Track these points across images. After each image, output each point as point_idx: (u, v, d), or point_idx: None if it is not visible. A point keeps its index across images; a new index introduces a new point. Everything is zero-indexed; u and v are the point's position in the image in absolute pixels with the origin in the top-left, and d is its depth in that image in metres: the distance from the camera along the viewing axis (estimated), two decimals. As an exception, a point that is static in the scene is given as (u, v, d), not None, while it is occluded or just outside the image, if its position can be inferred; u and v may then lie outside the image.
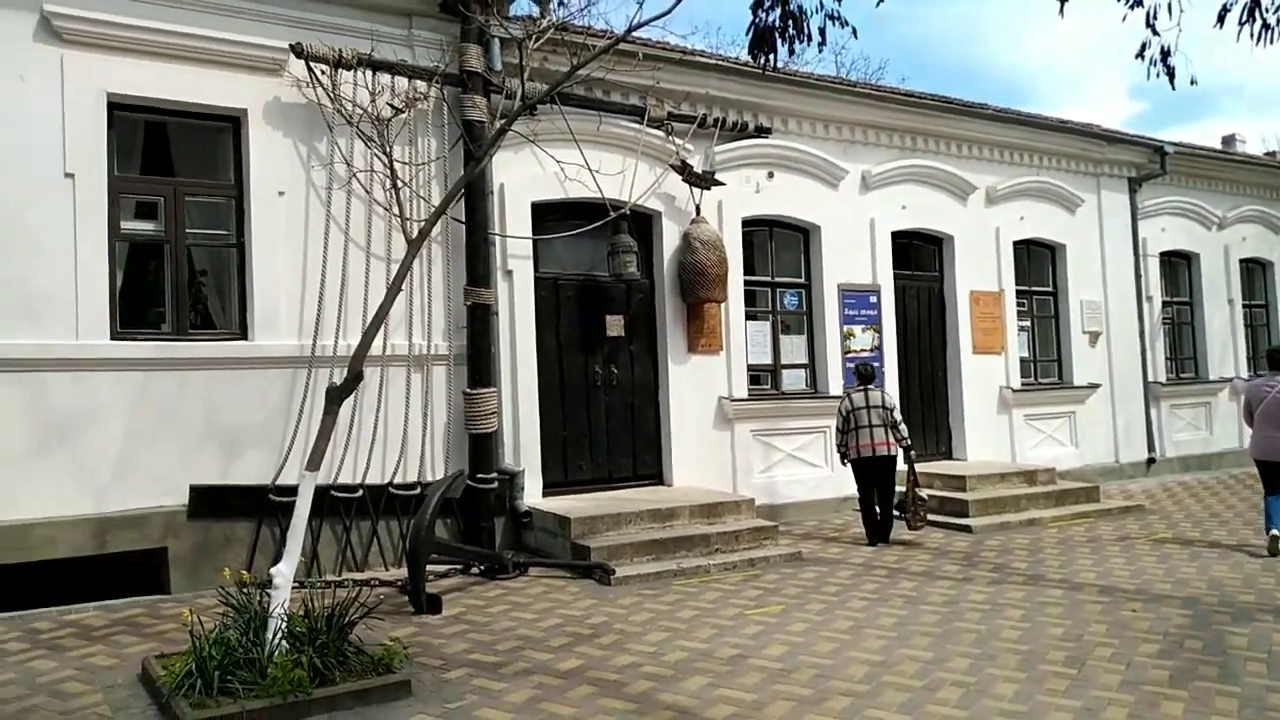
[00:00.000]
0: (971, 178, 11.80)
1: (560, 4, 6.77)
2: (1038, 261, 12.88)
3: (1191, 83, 5.22)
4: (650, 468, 9.59)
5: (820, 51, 5.75)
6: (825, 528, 9.78)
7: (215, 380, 7.26)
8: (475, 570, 7.66)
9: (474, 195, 8.05)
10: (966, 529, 9.48)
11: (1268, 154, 18.72)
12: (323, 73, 7.58)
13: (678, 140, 9.41)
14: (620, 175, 8.92)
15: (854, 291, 10.86)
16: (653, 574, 7.50)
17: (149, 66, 7.11)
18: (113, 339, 6.95)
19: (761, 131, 10.17)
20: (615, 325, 9.44)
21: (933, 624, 6.19)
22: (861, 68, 28.55)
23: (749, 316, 10.23)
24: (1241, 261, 15.00)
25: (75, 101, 6.83)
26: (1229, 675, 5.10)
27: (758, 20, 4.63)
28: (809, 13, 4.60)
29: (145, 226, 7.38)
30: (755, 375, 10.30)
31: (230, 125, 7.60)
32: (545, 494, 8.75)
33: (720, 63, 9.93)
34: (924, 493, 9.13)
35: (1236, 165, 15.41)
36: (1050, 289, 12.96)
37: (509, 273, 8.63)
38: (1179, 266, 14.53)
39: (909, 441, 8.98)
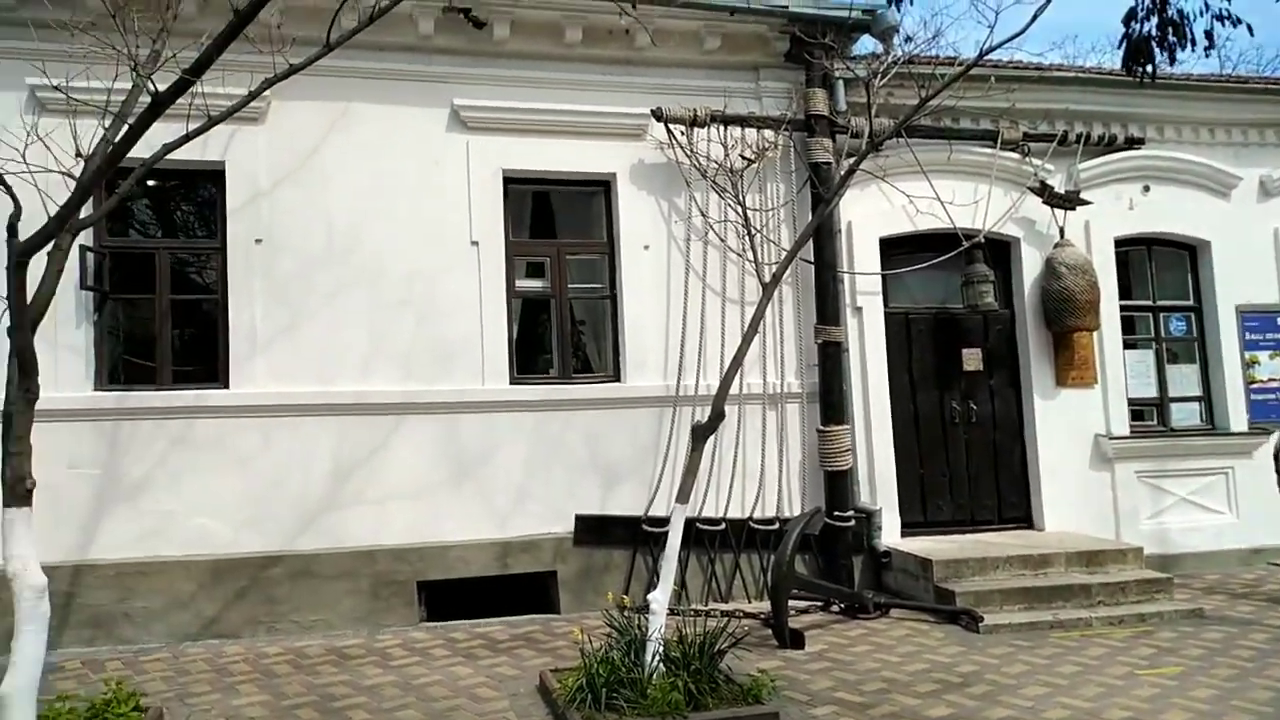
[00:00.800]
0: None
1: (908, 39, 6.72)
2: None
3: None
4: (1017, 510, 9.02)
5: (1207, 55, 5.20)
6: (1232, 582, 8.58)
7: (594, 419, 7.97)
8: (835, 608, 7.66)
9: (822, 235, 8.18)
10: None
11: None
12: (680, 132, 8.14)
13: (1035, 161, 8.90)
14: (972, 203, 8.62)
15: (1257, 313, 9.52)
16: (1025, 624, 7.06)
17: (536, 143, 8.07)
18: (511, 384, 7.90)
19: (1133, 143, 9.32)
20: (972, 359, 9.05)
21: (1389, 702, 5.23)
22: (1252, 59, 25.14)
23: (1127, 345, 9.33)
24: None
25: (478, 179, 7.93)
26: None
27: (1131, 31, 4.30)
28: (1191, 16, 4.20)
29: (534, 284, 8.34)
30: (1137, 410, 9.34)
31: (602, 189, 8.39)
32: (903, 534, 8.54)
33: (1080, 74, 9.28)
34: None
35: None
36: None
37: (858, 309, 8.63)
38: None
39: None
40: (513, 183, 8.15)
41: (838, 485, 8.22)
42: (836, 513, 8.12)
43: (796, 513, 8.09)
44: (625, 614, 5.74)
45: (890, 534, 8.44)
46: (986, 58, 5.80)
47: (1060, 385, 9.01)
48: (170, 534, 7.11)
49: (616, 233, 8.27)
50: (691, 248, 8.29)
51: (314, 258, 7.55)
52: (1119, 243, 9.35)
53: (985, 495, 8.99)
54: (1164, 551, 8.82)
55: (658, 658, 5.26)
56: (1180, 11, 4.19)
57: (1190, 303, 9.68)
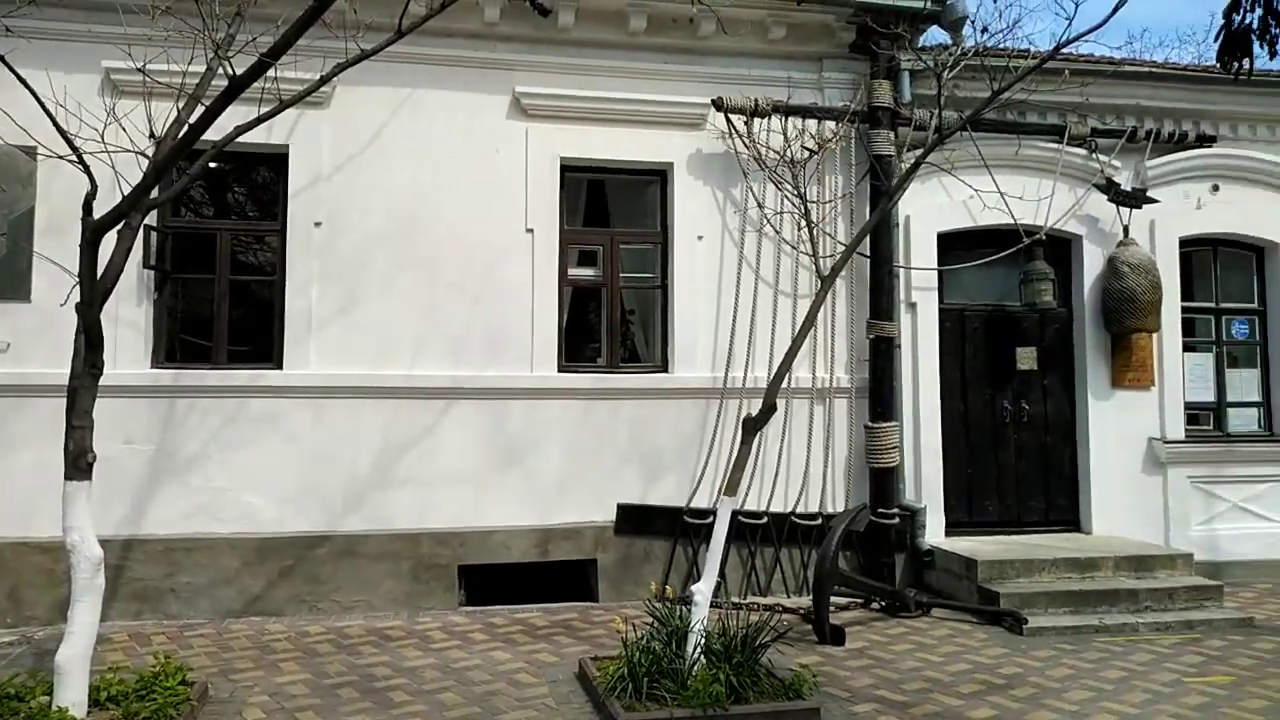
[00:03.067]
0: None
1: (984, 30, 6.57)
2: None
3: None
4: (1065, 513, 8.90)
5: None
6: (1289, 593, 8.42)
7: (640, 409, 8.00)
8: (876, 605, 7.65)
9: (878, 228, 8.08)
10: None
11: None
12: (742, 122, 8.09)
13: (1102, 158, 8.70)
14: (1035, 199, 8.46)
15: (1331, 317, 9.25)
16: (1070, 627, 7.00)
17: (594, 131, 8.07)
18: (559, 371, 7.96)
19: (1204, 141, 9.07)
20: (1027, 358, 8.92)
21: None
22: (1331, 50, 24.21)
23: (1187, 348, 9.13)
24: None
25: (536, 166, 7.96)
26: None
27: (1232, 23, 4.14)
28: None
29: (587, 272, 8.37)
30: (1193, 414, 9.15)
31: (658, 178, 8.38)
32: (948, 533, 8.48)
33: (1154, 69, 9.03)
34: None
35: None
36: None
37: (912, 305, 8.54)
38: None
39: None
40: (570, 170, 8.18)
41: (884, 482, 8.18)
42: (881, 510, 8.07)
43: (840, 509, 8.07)
44: (666, 604, 5.78)
45: (934, 533, 8.38)
46: (1060, 51, 5.67)
47: (1116, 387, 8.85)
48: (219, 511, 7.29)
49: (671, 222, 8.25)
50: (746, 239, 8.25)
51: (371, 241, 7.66)
52: (1184, 243, 9.12)
53: (1033, 496, 8.88)
54: (1213, 559, 8.66)
55: (699, 649, 5.30)
56: None
57: (1255, 305, 9.43)
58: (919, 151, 6.25)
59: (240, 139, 5.20)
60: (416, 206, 7.75)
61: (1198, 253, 9.36)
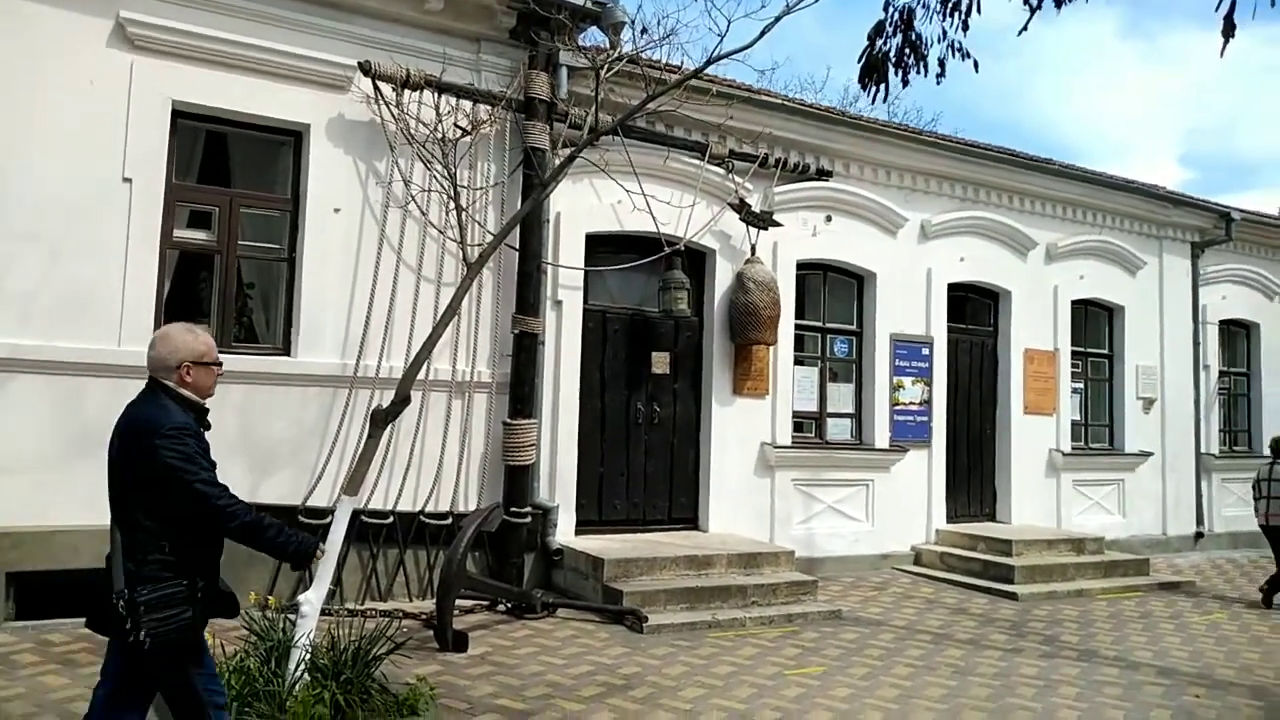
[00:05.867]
0: (1032, 233, 11.52)
1: (643, 32, 6.61)
2: (1095, 323, 12.53)
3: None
4: (686, 511, 9.33)
5: (938, 83, 5.57)
6: (864, 584, 9.44)
7: (254, 394, 7.10)
8: (502, 608, 7.43)
9: (529, 222, 7.90)
10: (1012, 596, 9.10)
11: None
12: (390, 91, 7.50)
13: (737, 178, 9.24)
14: (677, 211, 8.77)
15: (906, 342, 10.59)
16: (686, 624, 7.24)
17: (217, 77, 7.07)
18: (155, 347, 6.82)
19: (823, 174, 9.99)
20: (661, 362, 9.23)
21: (984, 698, 5.88)
22: (913, 119, 28.27)
23: (797, 361, 9.98)
24: (1304, 335, 14.51)
25: (141, 107, 6.79)
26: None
27: (875, 47, 4.39)
28: (929, 42, 4.36)
29: (199, 236, 7.31)
30: (799, 422, 10.02)
31: (292, 140, 7.54)
32: (578, 532, 8.51)
33: (786, 102, 9.77)
34: None
35: (1303, 235, 14.98)
36: (1106, 351, 12.60)
37: (558, 302, 8.47)
38: (1238, 336, 14.10)
39: None
40: (185, 118, 7.10)
41: (518, 480, 8.00)
42: (514, 509, 7.89)
43: (473, 507, 7.76)
44: (268, 615, 5.09)
45: (565, 532, 8.37)
46: (709, 70, 5.81)
47: (737, 394, 9.44)
48: None
49: (304, 190, 7.45)
50: (389, 217, 7.67)
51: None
52: (800, 265, 9.97)
53: (659, 496, 9.21)
54: (810, 555, 9.51)
55: (303, 666, 4.70)
56: (919, 35, 4.35)
57: (854, 327, 10.55)
58: (574, 149, 6.13)
59: None
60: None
61: (811, 275, 10.28)
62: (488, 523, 7.17)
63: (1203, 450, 13.14)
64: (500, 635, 6.83)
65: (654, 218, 8.30)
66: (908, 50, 4.31)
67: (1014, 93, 51.54)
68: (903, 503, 10.39)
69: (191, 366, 3.40)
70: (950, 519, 10.81)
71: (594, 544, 8.24)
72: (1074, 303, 12.02)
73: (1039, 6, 4.32)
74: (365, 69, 7.43)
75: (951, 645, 7.19)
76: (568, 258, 8.48)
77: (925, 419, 10.66)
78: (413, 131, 7.54)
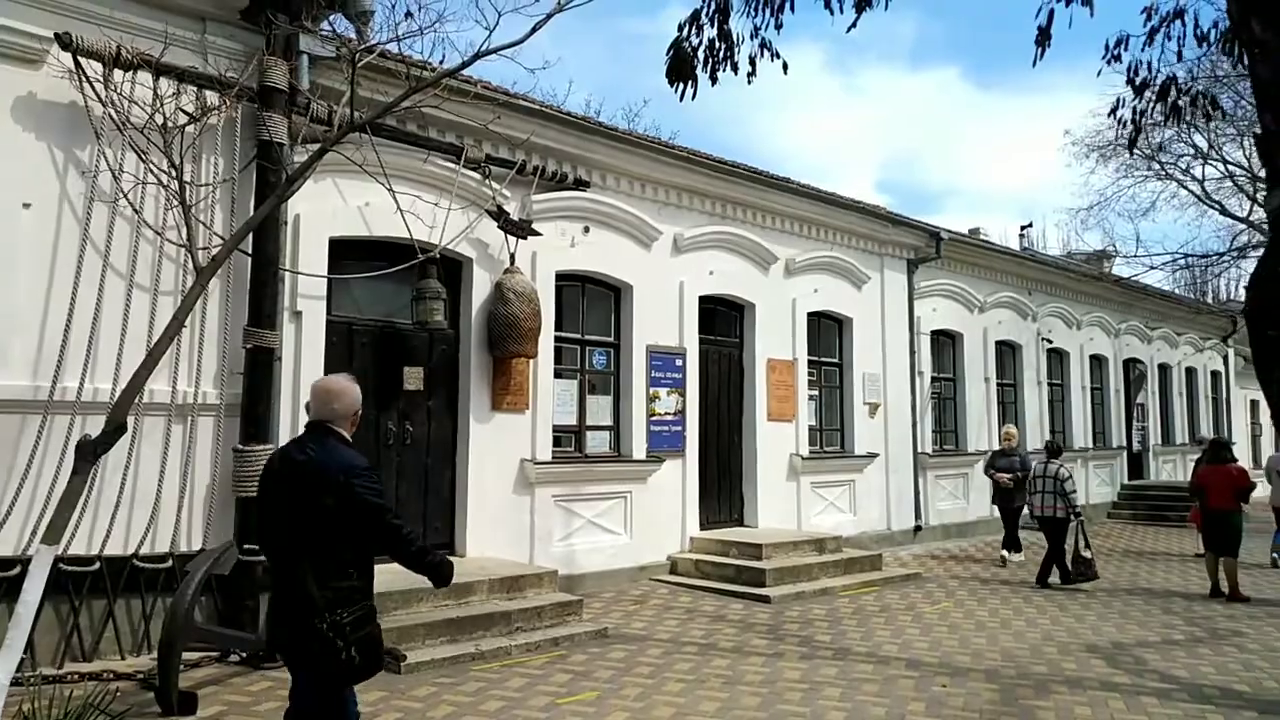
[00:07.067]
0: (774, 248, 12.04)
1: (407, 15, 6.06)
2: (828, 333, 13.32)
3: None
4: (443, 536, 8.80)
5: (749, 82, 5.46)
6: (625, 598, 9.36)
7: (-87, 425, 5.83)
8: (235, 658, 6.59)
9: (265, 225, 7.09)
10: (765, 599, 9.37)
11: (1024, 249, 20.71)
12: (102, 70, 6.44)
13: (495, 185, 8.87)
14: (431, 217, 8.26)
15: (661, 354, 10.67)
16: (449, 658, 6.79)
17: None
18: None
19: (580, 184, 9.83)
20: (414, 378, 8.66)
21: (756, 707, 5.93)
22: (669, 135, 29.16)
23: (557, 374, 9.76)
24: (996, 343, 16.29)
25: None
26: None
27: (684, 39, 4.17)
28: (740, 39, 4.22)
29: None
30: (559, 436, 9.80)
31: (-38, 119, 6.28)
32: (325, 565, 7.75)
33: (546, 109, 9.49)
34: (1087, 553, 10.57)
35: (996, 254, 16.87)
36: (837, 361, 13.43)
37: (298, 314, 7.69)
38: (945, 345, 15.55)
39: (1078, 509, 10.77)
40: None
41: (252, 514, 7.14)
42: (248, 546, 7.02)
43: (198, 546, 6.85)
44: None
45: (311, 566, 7.58)
46: (468, 71, 5.41)
47: (495, 409, 9.06)
48: None
49: (-18, 180, 6.23)
50: (94, 214, 6.59)
51: None
52: (559, 276, 9.76)
53: (413, 521, 8.61)
54: (570, 572, 9.31)
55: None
56: (731, 32, 4.20)
57: (612, 339, 10.49)
58: (320, 145, 5.52)
59: None
60: None
61: (569, 287, 10.10)
62: (219, 564, 6.34)
63: (919, 450, 14.34)
64: (236, 690, 6.04)
65: (406, 223, 7.75)
66: (720, 43, 4.17)
67: (738, 117, 54.86)
68: (659, 513, 10.45)
69: (358, 414, 3.98)
70: (704, 526, 11.02)
71: (343, 578, 7.54)
72: (810, 314, 12.70)
73: (870, 5, 4.36)
74: (64, 41, 6.34)
75: (717, 655, 7.23)
76: (309, 264, 7.72)
77: (679, 429, 10.80)
78: (126, 117, 6.53)
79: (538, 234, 9.14)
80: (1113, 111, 4.90)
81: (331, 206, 7.89)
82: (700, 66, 4.17)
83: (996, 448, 13.71)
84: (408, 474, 8.60)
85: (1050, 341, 17.52)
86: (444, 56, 7.24)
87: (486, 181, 8.81)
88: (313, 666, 3.66)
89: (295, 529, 3.68)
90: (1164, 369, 21.88)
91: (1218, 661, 7.35)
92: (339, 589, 3.61)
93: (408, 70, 5.56)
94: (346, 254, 8.10)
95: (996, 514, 13.18)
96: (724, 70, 4.23)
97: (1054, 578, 10.71)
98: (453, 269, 8.87)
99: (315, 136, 7.15)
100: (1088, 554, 10.61)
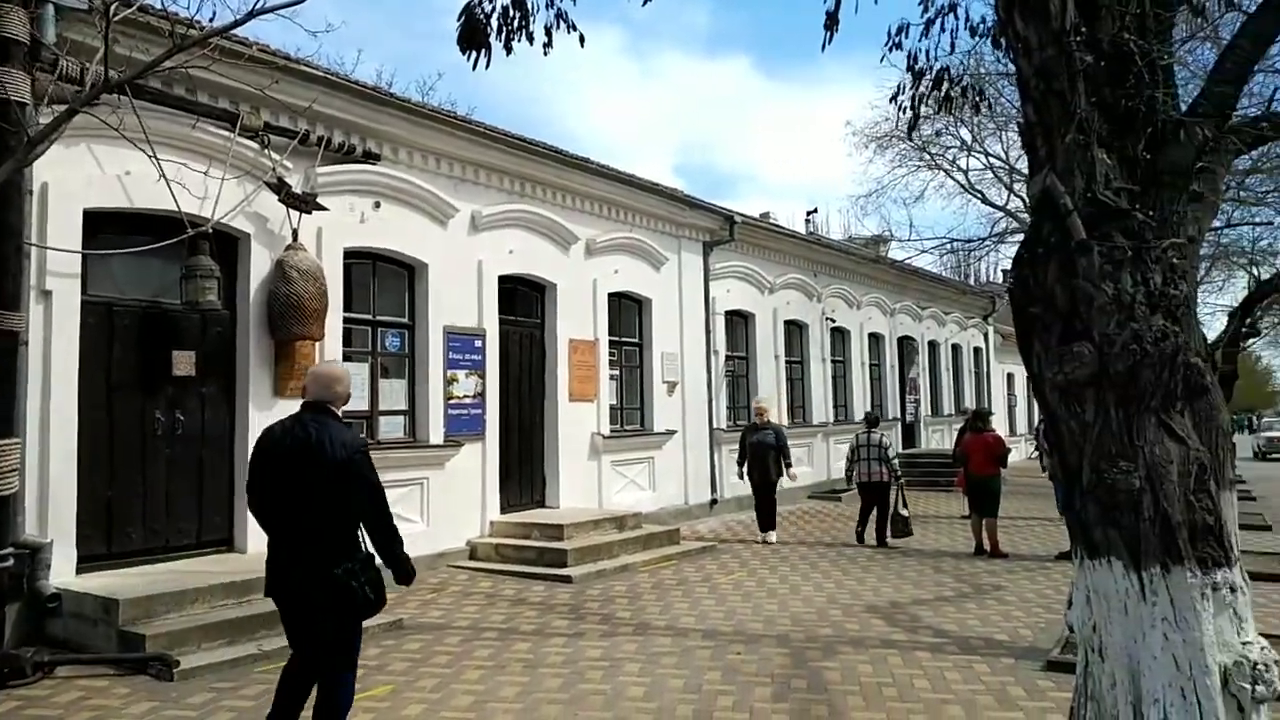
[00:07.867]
0: (574, 228, 12.02)
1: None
2: (628, 313, 13.48)
3: None
4: (220, 531, 8.22)
5: (545, 54, 5.20)
6: (422, 587, 9.08)
7: None
8: (-30, 679, 5.90)
9: (6, 193, 6.30)
10: (567, 579, 9.38)
11: (810, 233, 21.74)
12: None
13: (275, 155, 8.29)
14: (203, 188, 7.62)
15: (460, 335, 10.42)
16: (228, 661, 6.37)
17: None
18: None
19: (370, 157, 9.38)
20: (184, 363, 8.00)
21: (557, 689, 5.93)
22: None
23: (346, 357, 9.29)
24: (785, 322, 17.05)
25: None
26: (837, 713, 5.44)
27: (477, 5, 3.95)
28: (535, 8, 4.05)
29: None
30: (349, 421, 9.29)
31: None
32: (81, 570, 7.09)
33: (329, 76, 8.96)
34: (905, 512, 11.60)
35: (785, 238, 17.64)
36: (637, 340, 13.63)
37: (46, 293, 6.92)
38: (739, 324, 16.12)
39: (899, 473, 11.79)
40: None
41: (-9, 514, 6.39)
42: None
43: (-72, 556, 6.04)
44: None
45: (63, 572, 6.91)
46: (244, 32, 4.99)
47: (278, 396, 8.53)
48: None
49: None
50: None
51: None
52: (348, 254, 9.31)
53: (186, 517, 8.02)
54: (367, 563, 8.92)
55: None
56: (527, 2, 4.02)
57: (406, 320, 10.12)
58: (69, 106, 4.95)
59: None
60: None
61: (359, 265, 9.65)
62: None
63: (714, 426, 14.81)
64: (-26, 717, 5.39)
65: (174, 194, 7.10)
66: (515, 11, 4.00)
67: (538, 96, 54.56)
68: (458, 498, 10.24)
69: (349, 398, 4.66)
70: (505, 509, 10.90)
71: (104, 582, 6.92)
72: (610, 295, 12.80)
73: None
74: None
75: (518, 639, 7.16)
76: (60, 239, 6.94)
77: (479, 412, 10.60)
78: None
79: (323, 208, 8.65)
80: (894, 98, 5.16)
81: (86, 174, 7.13)
82: (494, 35, 4.01)
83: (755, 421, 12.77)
84: (180, 467, 7.95)
85: (833, 321, 18.54)
86: (214, 13, 6.65)
87: (265, 151, 8.23)
88: (336, 607, 4.24)
89: (305, 494, 4.21)
90: (933, 345, 23.72)
91: (981, 614, 8.04)
92: (344, 541, 4.25)
93: (172, 27, 5.06)
94: (105, 227, 7.36)
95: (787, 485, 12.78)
96: (519, 40, 4.09)
97: (869, 539, 11.75)
98: (228, 245, 8.25)
99: (64, 97, 6.40)
100: (905, 513, 11.58)
